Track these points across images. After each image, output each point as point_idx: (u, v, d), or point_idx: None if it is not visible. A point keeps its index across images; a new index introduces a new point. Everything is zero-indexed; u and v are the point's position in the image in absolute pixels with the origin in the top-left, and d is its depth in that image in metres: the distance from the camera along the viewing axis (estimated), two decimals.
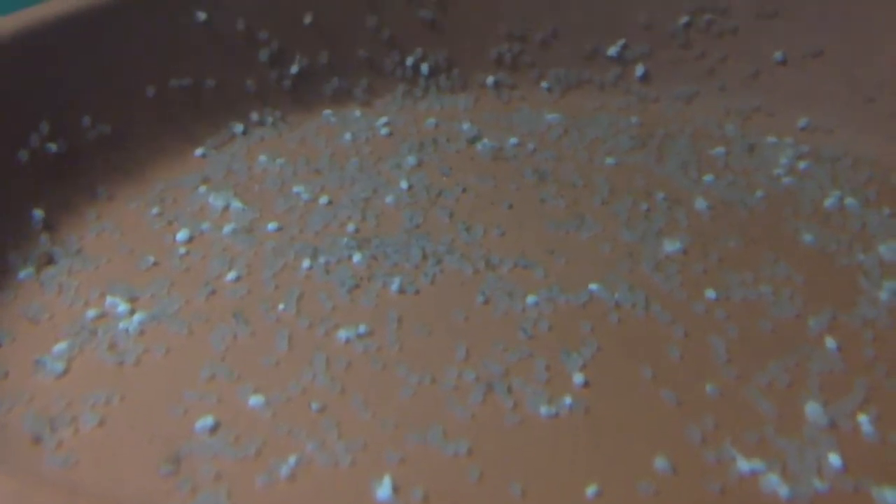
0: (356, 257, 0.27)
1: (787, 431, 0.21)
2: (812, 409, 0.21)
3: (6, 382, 0.22)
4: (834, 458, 0.20)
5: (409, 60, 0.36)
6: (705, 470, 0.20)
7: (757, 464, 0.20)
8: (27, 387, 0.22)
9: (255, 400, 0.22)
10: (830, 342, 0.24)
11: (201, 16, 0.33)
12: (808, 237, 0.28)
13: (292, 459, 0.20)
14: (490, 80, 0.37)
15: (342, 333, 0.25)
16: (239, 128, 0.34)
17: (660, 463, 0.20)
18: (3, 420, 0.21)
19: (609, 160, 0.32)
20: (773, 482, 0.20)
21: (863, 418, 0.21)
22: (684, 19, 0.36)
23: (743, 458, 0.20)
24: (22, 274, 0.26)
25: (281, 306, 0.25)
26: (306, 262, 0.27)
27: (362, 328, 0.25)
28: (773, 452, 0.20)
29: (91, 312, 0.25)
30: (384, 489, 0.20)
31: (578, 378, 0.23)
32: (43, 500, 0.13)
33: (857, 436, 0.21)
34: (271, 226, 0.29)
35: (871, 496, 0.19)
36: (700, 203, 0.30)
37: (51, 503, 0.13)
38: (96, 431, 0.21)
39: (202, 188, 0.30)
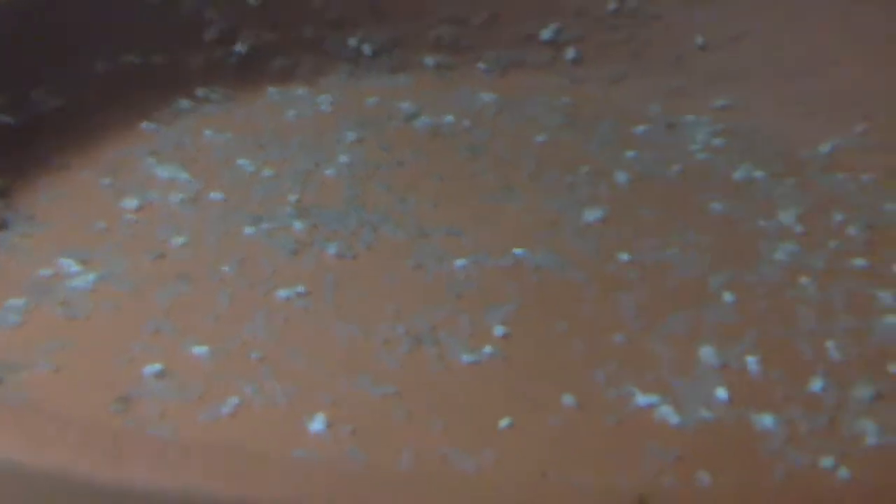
0: (297, 225, 0.29)
1: (682, 371, 0.23)
2: (705, 353, 0.24)
3: None
4: (721, 392, 0.23)
5: (353, 41, 0.38)
6: (606, 405, 0.22)
7: (652, 398, 0.22)
8: None
9: (198, 350, 0.24)
10: (728, 296, 0.26)
11: None
12: (716, 206, 0.30)
13: (233, 400, 0.22)
14: (430, 61, 0.39)
15: (282, 293, 0.26)
16: (186, 104, 0.35)
17: (567, 400, 0.22)
18: None
19: (539, 137, 0.34)
20: (665, 412, 0.22)
21: (750, 359, 0.24)
22: (613, 5, 0.38)
23: (640, 393, 0.23)
24: None
25: (224, 268, 0.27)
26: (249, 229, 0.29)
27: (301, 288, 0.26)
28: (667, 388, 0.23)
29: (44, 272, 0.26)
30: (317, 424, 0.22)
31: (499, 330, 0.25)
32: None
33: (744, 374, 0.23)
34: (216, 195, 0.30)
35: (751, 422, 0.22)
36: (621, 176, 0.32)
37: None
38: (51, 375, 0.23)
39: (151, 160, 0.32)
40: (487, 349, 0.24)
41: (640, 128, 0.35)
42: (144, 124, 0.34)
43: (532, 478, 0.17)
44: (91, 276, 0.26)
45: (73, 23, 0.33)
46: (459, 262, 0.28)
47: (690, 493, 0.14)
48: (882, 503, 0.16)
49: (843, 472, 0.20)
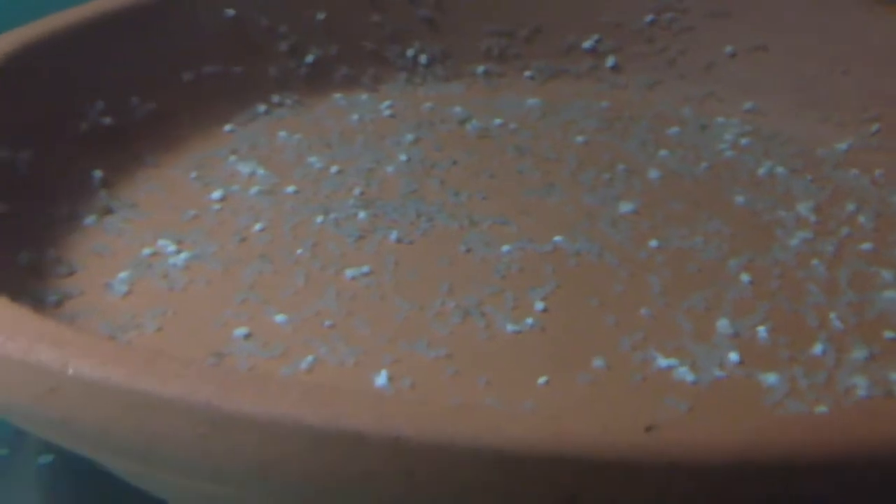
0: (361, 214, 0.33)
1: (700, 339, 0.27)
2: (721, 324, 0.27)
3: (83, 298, 0.28)
4: (733, 356, 0.26)
5: (410, 52, 0.42)
6: (632, 366, 0.26)
7: (672, 361, 0.26)
8: (100, 303, 0.28)
9: (279, 318, 0.28)
10: (745, 277, 0.29)
11: (230, 12, 0.39)
12: (740, 199, 0.33)
13: (310, 358, 0.26)
14: (480, 69, 0.42)
15: (349, 272, 0.30)
16: (262, 108, 0.39)
17: (597, 362, 0.26)
18: (84, 325, 0.27)
19: (579, 138, 0.38)
20: (683, 372, 0.25)
21: (761, 329, 0.27)
22: (649, 17, 0.41)
23: (662, 357, 0.26)
24: (87, 220, 0.32)
25: (299, 251, 0.31)
26: (319, 218, 0.33)
27: (365, 269, 0.30)
28: (686, 353, 0.26)
29: (146, 251, 0.30)
30: (381, 379, 0.25)
31: (539, 306, 0.28)
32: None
33: (754, 341, 0.26)
34: (290, 189, 0.34)
35: (758, 380, 0.25)
36: (654, 173, 0.35)
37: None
38: (156, 335, 0.27)
39: (232, 157, 0.36)
40: (529, 321, 0.28)
41: (674, 129, 0.38)
42: (226, 127, 0.38)
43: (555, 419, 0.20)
44: (185, 255, 0.30)
45: (164, 36, 0.37)
46: (505, 247, 0.31)
47: (695, 424, 0.17)
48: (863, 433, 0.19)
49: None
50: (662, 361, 0.26)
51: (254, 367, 0.26)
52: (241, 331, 0.27)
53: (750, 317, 0.27)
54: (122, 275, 0.29)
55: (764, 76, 0.39)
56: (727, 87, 0.40)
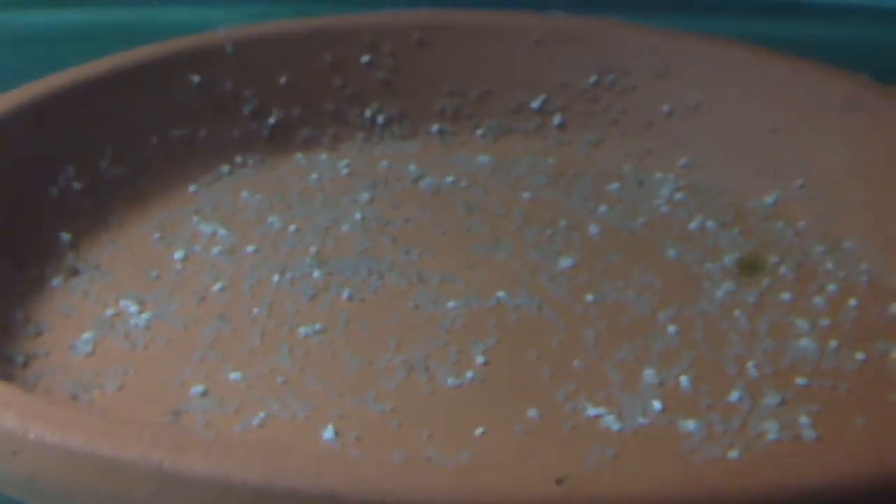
0: (316, 273, 0.35)
1: (627, 389, 0.29)
2: (647, 374, 0.29)
3: (49, 359, 0.30)
4: (657, 404, 0.28)
5: (368, 113, 0.44)
6: (563, 415, 0.28)
7: (600, 410, 0.28)
8: (65, 363, 0.30)
9: (234, 375, 0.30)
10: (672, 328, 0.31)
11: (195, 78, 0.41)
12: (671, 252, 0.36)
13: (262, 414, 0.28)
14: (435, 128, 0.44)
15: (302, 330, 0.32)
16: (226, 168, 0.41)
17: (531, 412, 0.28)
18: (48, 384, 0.29)
19: (526, 195, 0.40)
20: (609, 421, 0.27)
21: (683, 378, 0.29)
22: (593, 78, 0.43)
23: (591, 407, 0.28)
24: (55, 282, 0.33)
25: (255, 310, 0.33)
26: (276, 277, 0.35)
27: (318, 326, 0.32)
28: (613, 402, 0.28)
29: (109, 311, 0.32)
30: (328, 433, 0.27)
31: (480, 359, 0.30)
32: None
33: (677, 389, 0.29)
34: (249, 248, 0.36)
35: (678, 427, 0.27)
36: (593, 228, 0.37)
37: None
38: (117, 394, 0.29)
39: (195, 218, 0.38)
40: (469, 374, 0.30)
41: (614, 185, 0.40)
42: (191, 187, 0.40)
43: (489, 468, 0.22)
44: (147, 315, 0.32)
45: (133, 102, 0.39)
46: (451, 303, 0.33)
47: (608, 474, 0.19)
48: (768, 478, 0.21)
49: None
50: (591, 410, 0.28)
51: (209, 423, 0.27)
52: (198, 388, 0.29)
53: (674, 366, 0.29)
54: (86, 335, 0.31)
55: (699, 133, 0.42)
56: (665, 143, 0.42)
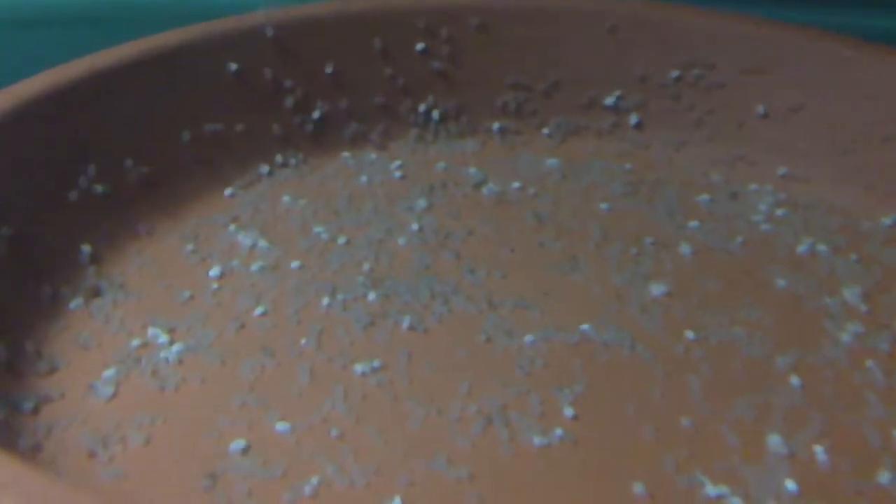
0: (371, 296, 0.30)
1: (751, 460, 0.24)
2: (773, 441, 0.24)
3: (63, 402, 0.25)
4: (790, 484, 0.23)
5: (422, 107, 0.39)
6: (677, 495, 0.23)
7: (723, 489, 0.23)
8: (82, 408, 0.25)
9: (281, 426, 0.25)
10: (795, 380, 0.27)
11: (232, 66, 0.36)
12: (780, 282, 0.31)
13: (315, 480, 0.23)
14: (496, 126, 0.40)
15: (358, 367, 0.27)
16: (265, 169, 0.37)
17: (637, 488, 0.23)
18: (62, 436, 0.24)
19: (603, 205, 0.35)
20: None
21: (818, 448, 0.24)
22: (675, 73, 0.39)
23: (711, 483, 0.23)
24: (72, 304, 0.29)
25: (303, 341, 0.28)
26: (326, 300, 0.30)
27: (376, 363, 0.28)
28: (737, 479, 0.23)
29: (135, 342, 0.28)
30: None
31: (569, 412, 0.26)
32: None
33: (812, 464, 0.24)
34: (294, 264, 0.32)
35: None
36: (685, 248, 0.33)
37: None
38: (143, 449, 0.24)
39: (232, 226, 0.33)
40: (558, 432, 0.25)
41: (703, 197, 0.36)
42: (226, 190, 0.35)
43: None
44: (178, 347, 0.28)
45: (161, 93, 0.35)
46: (528, 337, 0.29)
47: None
48: None
49: None
50: (711, 489, 0.23)
51: (251, 491, 0.23)
52: (238, 443, 0.24)
53: (804, 432, 0.25)
54: (108, 373, 0.27)
55: (799, 139, 0.37)
56: (759, 150, 0.37)
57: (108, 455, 0.24)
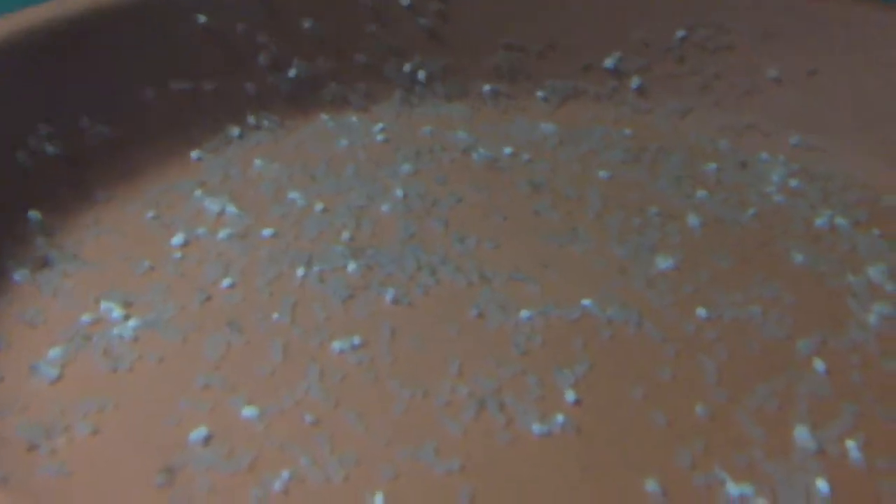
0: (351, 266, 0.28)
1: (776, 455, 0.21)
2: (800, 434, 0.22)
3: (2, 387, 0.23)
4: (822, 484, 0.21)
5: (407, 67, 0.36)
6: (695, 494, 0.20)
7: (746, 488, 0.20)
8: (22, 393, 0.22)
9: (248, 411, 0.22)
10: (819, 365, 0.24)
11: (201, 18, 0.33)
12: (798, 257, 0.28)
13: (285, 474, 0.21)
14: (487, 88, 0.37)
15: (336, 344, 0.25)
16: (236, 131, 0.34)
17: (650, 486, 0.21)
18: None
19: (602, 173, 0.33)
20: None
21: (850, 444, 0.22)
22: (681, 34, 0.36)
23: (732, 482, 0.21)
24: (17, 276, 0.26)
25: (275, 315, 0.26)
26: (301, 270, 0.27)
27: (356, 339, 0.25)
28: (761, 477, 0.21)
29: (86, 317, 0.25)
30: None
31: (570, 395, 0.23)
32: None
33: (845, 462, 0.21)
34: (266, 232, 0.29)
35: None
36: (692, 219, 0.30)
37: None
38: (90, 440, 0.21)
39: (198, 192, 0.31)
40: (559, 418, 0.22)
41: (710, 165, 0.33)
42: (193, 154, 0.32)
43: None
44: (135, 322, 0.25)
45: (122, 47, 0.31)
46: (524, 312, 0.26)
47: None
48: None
49: None
50: (733, 488, 0.20)
51: (214, 487, 0.20)
52: (199, 431, 0.22)
53: (834, 424, 0.22)
54: (54, 352, 0.24)
55: (814, 106, 0.34)
56: (770, 117, 0.35)
57: (50, 447, 0.21)
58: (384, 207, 0.30)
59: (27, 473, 0.20)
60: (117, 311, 0.25)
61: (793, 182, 0.32)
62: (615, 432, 0.22)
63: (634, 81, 0.36)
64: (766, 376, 0.24)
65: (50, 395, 0.22)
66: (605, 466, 0.21)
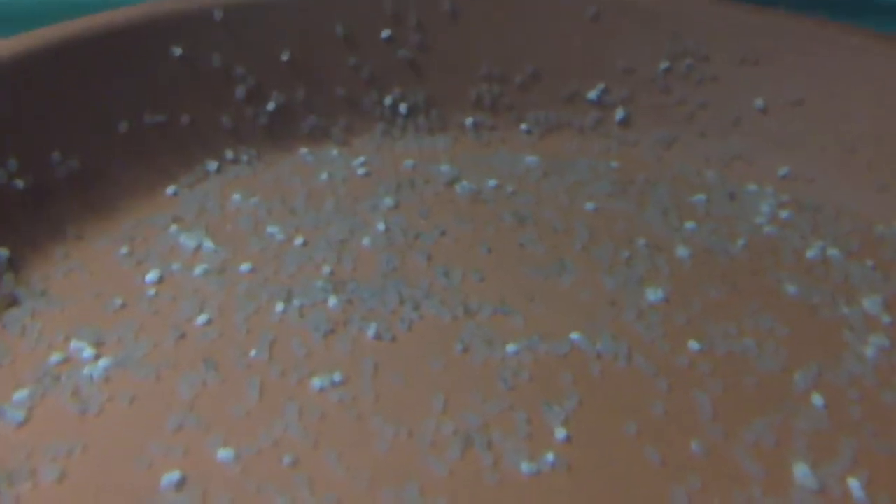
0: (331, 301, 0.27)
1: (776, 494, 0.20)
2: (800, 471, 0.21)
3: None
4: None
5: (388, 100, 0.36)
6: None
7: None
8: None
9: (223, 453, 0.21)
10: (817, 399, 0.23)
11: (177, 51, 0.32)
12: (791, 288, 0.28)
13: None
14: (469, 121, 0.36)
15: (316, 382, 0.24)
16: (213, 165, 0.33)
17: None
18: None
19: (589, 205, 0.32)
20: None
21: (853, 482, 0.21)
22: (665, 65, 0.35)
23: None
24: None
25: (253, 352, 0.25)
26: (279, 306, 0.26)
27: (337, 376, 0.24)
28: None
29: (54, 357, 0.24)
30: None
31: (560, 433, 0.22)
32: None
33: (848, 501, 0.20)
34: (244, 267, 0.28)
35: None
36: (682, 250, 0.29)
37: None
38: (56, 487, 0.20)
39: (173, 227, 0.30)
40: (549, 457, 0.22)
41: (698, 196, 0.32)
42: (168, 189, 0.31)
43: None
44: (105, 362, 0.24)
45: (95, 79, 0.31)
46: (511, 346, 0.25)
47: None
48: None
49: None
50: None
51: None
52: (172, 475, 0.20)
53: (834, 461, 0.21)
54: (20, 394, 0.22)
55: (801, 135, 0.34)
56: (757, 147, 0.34)
57: (12, 495, 0.20)
58: (365, 241, 0.29)
59: None
60: (88, 351, 0.24)
61: (783, 213, 0.32)
62: (608, 470, 0.21)
63: (619, 113, 0.36)
64: (763, 411, 0.23)
65: (15, 440, 0.21)
66: None
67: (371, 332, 0.26)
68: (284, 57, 0.34)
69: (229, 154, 0.33)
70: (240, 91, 0.34)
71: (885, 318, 0.26)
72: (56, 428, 0.22)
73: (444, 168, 0.34)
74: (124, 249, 0.28)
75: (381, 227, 0.30)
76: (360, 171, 0.34)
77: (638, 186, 0.33)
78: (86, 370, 0.23)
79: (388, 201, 0.32)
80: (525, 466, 0.21)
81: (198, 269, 0.28)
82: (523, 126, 0.36)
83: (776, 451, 0.22)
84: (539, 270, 0.28)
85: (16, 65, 0.29)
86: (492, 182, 0.33)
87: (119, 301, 0.26)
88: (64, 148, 0.30)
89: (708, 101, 0.35)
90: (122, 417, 0.22)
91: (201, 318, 0.26)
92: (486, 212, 0.31)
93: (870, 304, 0.27)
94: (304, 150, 0.34)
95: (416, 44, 0.36)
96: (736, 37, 0.35)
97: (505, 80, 0.36)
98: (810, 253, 0.29)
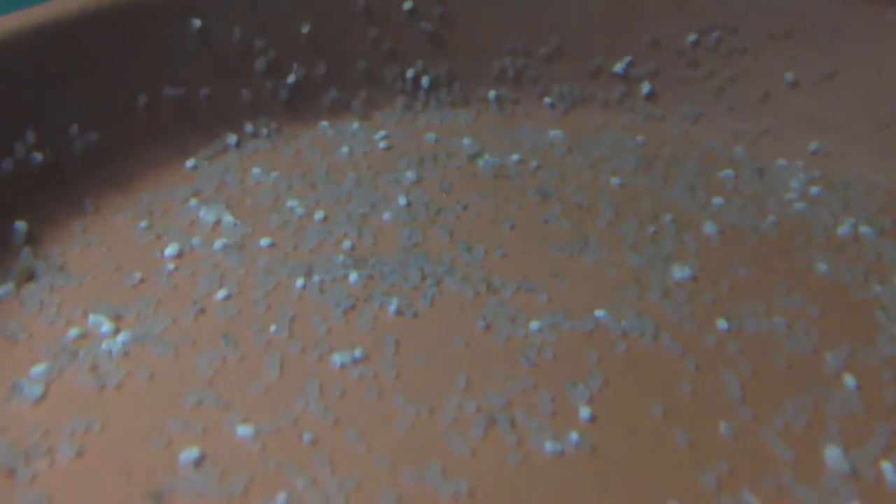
0: (352, 276, 0.26)
1: (807, 478, 0.20)
2: (832, 455, 0.20)
3: None
4: None
5: (410, 73, 0.35)
6: None
7: None
8: (2, 413, 0.21)
9: (243, 430, 0.21)
10: (849, 380, 0.23)
11: (196, 23, 0.32)
12: (822, 266, 0.27)
13: (282, 497, 0.19)
14: (492, 94, 0.36)
15: (336, 358, 0.23)
16: (233, 139, 0.32)
17: None
18: None
19: (614, 180, 0.31)
20: None
21: (886, 466, 0.20)
22: (692, 37, 0.35)
23: None
24: (1, 290, 0.25)
25: (272, 328, 0.24)
26: (300, 281, 0.26)
27: (358, 353, 0.24)
28: (793, 501, 0.19)
29: (72, 332, 0.24)
30: None
31: (585, 412, 0.22)
32: None
33: (881, 486, 0.20)
34: (264, 242, 0.28)
35: None
36: (709, 227, 0.29)
37: None
38: (74, 463, 0.20)
39: (193, 201, 0.29)
40: (573, 436, 0.21)
41: (726, 172, 0.32)
42: (187, 162, 0.31)
43: None
44: (124, 337, 0.24)
45: (113, 52, 0.30)
46: (534, 324, 0.25)
47: None
48: None
49: None
50: None
51: None
52: (190, 453, 0.20)
53: (867, 445, 0.21)
54: (38, 369, 0.22)
55: (833, 111, 0.33)
56: (787, 122, 0.34)
57: (30, 473, 0.20)
58: (387, 216, 0.29)
59: (4, 502, 0.19)
60: (106, 326, 0.24)
61: (813, 189, 0.31)
62: (633, 452, 0.21)
63: (645, 87, 0.35)
64: (793, 393, 0.22)
65: (32, 416, 0.21)
66: (623, 489, 0.20)
67: (392, 307, 0.25)
68: (305, 29, 0.34)
69: (249, 127, 0.33)
70: (260, 64, 0.33)
71: None
72: (73, 404, 0.21)
73: (467, 142, 0.33)
74: (143, 223, 0.28)
75: (402, 201, 0.30)
76: (382, 144, 0.33)
77: (664, 162, 0.32)
78: (104, 345, 0.23)
79: (410, 175, 0.31)
80: (549, 446, 0.21)
81: (217, 244, 0.27)
82: (547, 100, 0.36)
83: (807, 434, 0.21)
84: (563, 247, 0.28)
85: (34, 37, 0.28)
86: (515, 157, 0.33)
87: (138, 275, 0.26)
88: (82, 121, 0.29)
89: (737, 75, 0.34)
90: (141, 393, 0.22)
91: (220, 294, 0.25)
92: (509, 187, 0.31)
93: None
94: (324, 124, 0.34)
95: (438, 16, 0.35)
96: (766, 9, 0.34)
97: (529, 53, 0.36)
98: (841, 230, 0.29)
